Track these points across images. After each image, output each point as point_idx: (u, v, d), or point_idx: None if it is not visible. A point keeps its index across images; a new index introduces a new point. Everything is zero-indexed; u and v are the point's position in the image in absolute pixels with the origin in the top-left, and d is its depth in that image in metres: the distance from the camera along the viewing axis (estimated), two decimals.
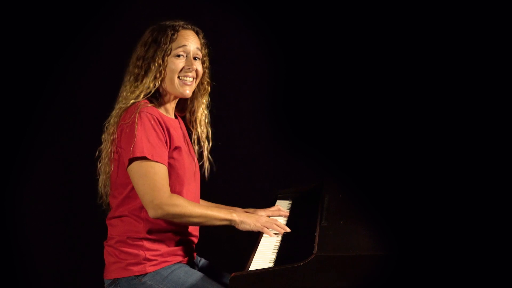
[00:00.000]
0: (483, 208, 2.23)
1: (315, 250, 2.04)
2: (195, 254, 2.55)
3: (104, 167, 2.44)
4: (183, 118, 2.61)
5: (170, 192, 2.32)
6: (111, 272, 2.39)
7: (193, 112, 2.58)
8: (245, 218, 2.39)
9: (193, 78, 2.46)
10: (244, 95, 3.61)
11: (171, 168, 2.38)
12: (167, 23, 2.47)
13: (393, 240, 2.07)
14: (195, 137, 2.58)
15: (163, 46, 2.43)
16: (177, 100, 2.52)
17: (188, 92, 2.46)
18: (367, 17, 3.23)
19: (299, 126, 3.49)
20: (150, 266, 2.35)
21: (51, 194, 3.60)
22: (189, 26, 2.50)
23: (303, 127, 3.49)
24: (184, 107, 2.59)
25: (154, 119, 2.33)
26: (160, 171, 2.31)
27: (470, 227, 2.15)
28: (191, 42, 2.46)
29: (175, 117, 2.56)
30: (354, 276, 1.99)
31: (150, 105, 2.38)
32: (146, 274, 2.35)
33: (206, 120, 2.59)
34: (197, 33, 2.51)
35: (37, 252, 3.58)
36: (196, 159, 2.56)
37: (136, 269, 2.35)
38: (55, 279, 3.65)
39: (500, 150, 2.44)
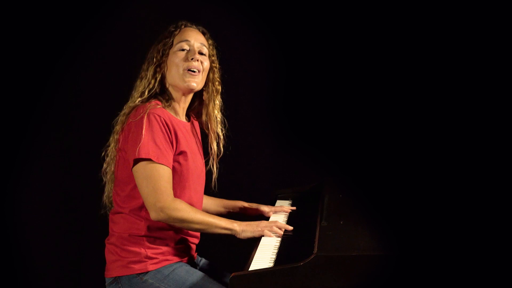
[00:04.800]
0: (483, 208, 2.23)
1: (315, 250, 2.04)
2: (195, 254, 2.55)
3: (110, 166, 2.45)
4: (200, 122, 2.59)
5: (173, 196, 2.32)
6: (112, 270, 2.40)
7: (208, 115, 2.55)
8: (245, 227, 2.39)
9: (199, 71, 2.44)
10: (244, 95, 3.61)
11: (174, 172, 2.37)
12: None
13: (393, 240, 2.07)
14: (210, 142, 2.56)
15: (164, 40, 2.44)
16: (188, 100, 2.50)
17: (194, 84, 2.43)
18: (366, 17, 3.23)
19: (299, 126, 3.49)
20: (151, 264, 2.36)
21: (51, 192, 3.60)
22: (194, 26, 2.51)
23: (303, 127, 3.49)
24: (200, 111, 2.57)
25: (161, 121, 2.32)
26: (164, 174, 2.31)
27: (470, 227, 2.15)
28: (195, 38, 2.46)
29: (189, 119, 2.55)
30: (354, 276, 1.99)
31: (159, 106, 2.37)
32: (147, 272, 2.35)
33: (219, 126, 2.56)
34: (203, 33, 2.52)
35: (38, 251, 3.58)
36: (204, 166, 2.54)
37: (138, 267, 2.35)
38: (56, 278, 3.65)
39: (500, 150, 2.44)
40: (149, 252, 2.36)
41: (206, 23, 2.54)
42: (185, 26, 2.49)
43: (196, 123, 2.60)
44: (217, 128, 2.57)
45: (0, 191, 3.45)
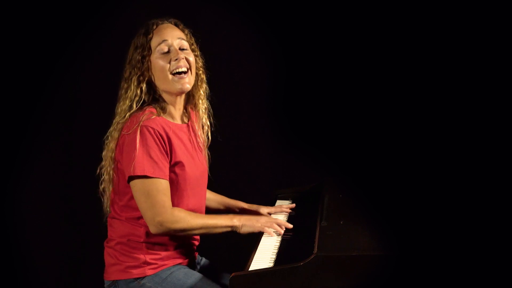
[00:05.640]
0: (483, 208, 2.23)
1: (315, 250, 2.04)
2: (196, 254, 2.55)
3: (106, 184, 2.40)
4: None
5: (171, 207, 2.30)
6: (111, 274, 2.39)
7: (194, 105, 2.51)
8: (245, 222, 2.38)
9: (187, 69, 2.36)
10: (244, 95, 3.61)
11: (171, 182, 2.33)
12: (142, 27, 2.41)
13: (393, 240, 2.07)
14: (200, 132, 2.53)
15: (140, 47, 2.35)
16: (183, 99, 2.44)
17: (187, 86, 2.37)
18: (366, 17, 3.23)
19: (299, 125, 3.49)
20: (149, 269, 2.35)
21: (52, 192, 3.60)
22: (165, 21, 2.42)
23: (303, 127, 3.49)
24: (186, 102, 2.51)
25: (155, 133, 2.27)
26: (162, 187, 2.28)
27: (470, 227, 2.15)
28: (171, 35, 2.37)
29: (188, 118, 2.50)
30: (354, 276, 1.99)
31: (154, 116, 2.31)
32: (145, 276, 2.34)
33: (205, 112, 2.51)
34: (176, 25, 2.42)
35: (38, 251, 3.58)
36: (205, 165, 2.52)
37: (136, 272, 2.34)
38: (56, 278, 3.65)
39: (500, 150, 2.44)
40: (148, 258, 2.35)
41: (206, 23, 2.54)
42: (156, 26, 2.38)
43: (195, 120, 2.53)
44: (203, 117, 2.51)
45: (0, 191, 3.45)
